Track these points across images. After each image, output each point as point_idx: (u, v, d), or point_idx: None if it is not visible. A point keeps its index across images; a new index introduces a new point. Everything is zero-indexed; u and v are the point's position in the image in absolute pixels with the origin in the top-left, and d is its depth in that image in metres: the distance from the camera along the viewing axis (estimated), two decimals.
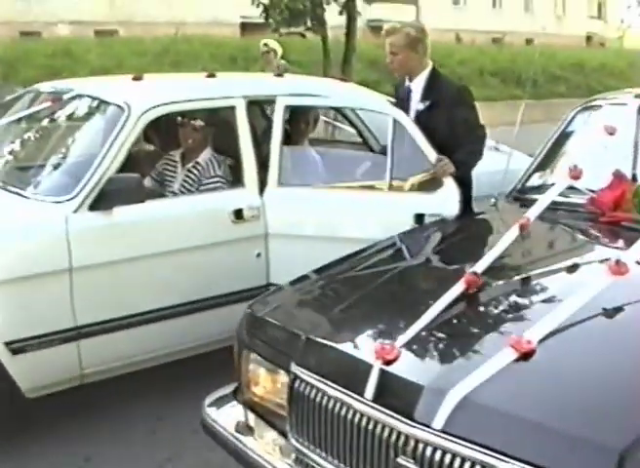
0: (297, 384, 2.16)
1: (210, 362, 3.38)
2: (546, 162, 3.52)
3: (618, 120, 3.08)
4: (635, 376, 1.84)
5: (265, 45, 8.12)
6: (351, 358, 2.09)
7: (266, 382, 2.37)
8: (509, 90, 18.99)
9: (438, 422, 1.79)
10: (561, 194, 2.88)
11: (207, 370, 3.22)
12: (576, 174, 2.83)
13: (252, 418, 2.43)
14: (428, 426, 1.80)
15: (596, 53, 27.49)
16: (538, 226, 2.67)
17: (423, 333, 2.05)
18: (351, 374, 2.04)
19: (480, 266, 2.32)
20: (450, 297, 2.18)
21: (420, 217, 3.65)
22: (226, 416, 2.47)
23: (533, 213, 2.65)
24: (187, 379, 3.44)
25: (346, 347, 2.15)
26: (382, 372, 1.94)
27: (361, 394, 1.95)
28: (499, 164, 3.61)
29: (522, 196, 3.35)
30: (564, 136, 3.54)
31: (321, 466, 2.09)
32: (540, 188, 3.27)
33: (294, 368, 2.18)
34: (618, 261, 2.18)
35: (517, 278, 2.43)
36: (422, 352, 2.04)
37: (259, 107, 4.52)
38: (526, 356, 1.88)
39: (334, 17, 14.49)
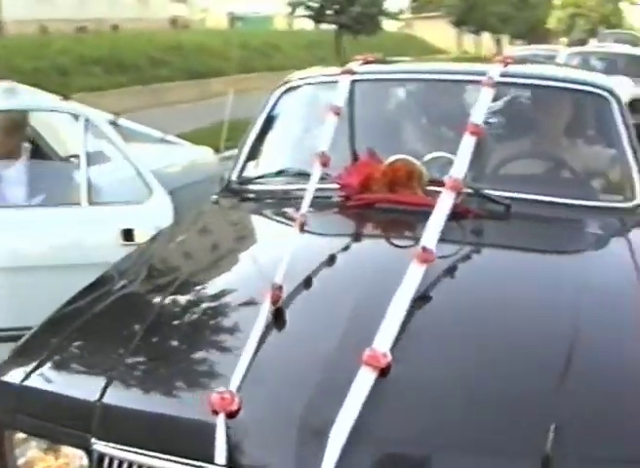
0: (105, 464, 1.69)
1: None
2: (257, 150, 3.31)
3: (333, 98, 2.98)
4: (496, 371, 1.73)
5: None
6: (183, 418, 1.67)
7: None
8: (115, 78, 18.58)
9: None
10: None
11: None
12: (325, 160, 2.66)
13: None
14: None
15: (194, 34, 28.15)
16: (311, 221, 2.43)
17: (255, 368, 1.72)
18: (187, 439, 1.63)
19: (279, 277, 2.02)
20: (263, 320, 1.87)
21: (128, 233, 3.28)
22: None
23: (304, 208, 2.42)
24: None
25: (170, 405, 1.71)
26: (229, 428, 1.58)
27: (209, 461, 1.57)
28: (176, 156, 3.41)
29: (242, 188, 3.12)
30: (270, 121, 3.35)
31: None
32: (264, 177, 3.09)
33: (96, 444, 1.71)
34: (424, 248, 2.04)
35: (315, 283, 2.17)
36: (264, 391, 1.69)
37: None
38: (383, 371, 1.66)
39: None
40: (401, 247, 2.44)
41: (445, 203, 2.31)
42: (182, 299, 2.16)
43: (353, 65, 3.20)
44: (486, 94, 2.84)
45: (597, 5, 54.13)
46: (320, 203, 2.62)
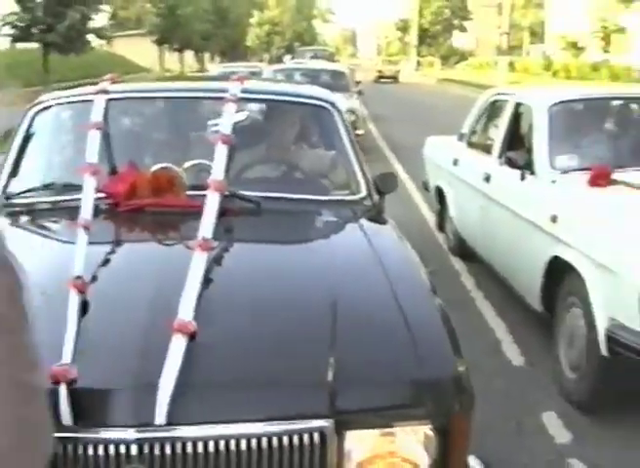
0: None
1: None
2: (19, 166, 3.45)
3: (92, 116, 3.25)
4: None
5: None
6: None
7: None
8: None
9: (160, 418, 1.83)
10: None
11: None
12: (95, 170, 2.93)
13: None
14: (150, 425, 1.83)
15: None
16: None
17: (83, 341, 2.00)
18: None
19: (77, 270, 2.30)
20: (75, 304, 2.15)
21: None
22: None
23: (86, 213, 2.70)
24: None
25: None
26: (72, 393, 1.86)
27: (57, 423, 1.84)
28: None
29: (8, 202, 3.25)
30: (28, 139, 3.53)
31: None
32: (31, 191, 3.27)
33: None
34: (204, 238, 2.44)
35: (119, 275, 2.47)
36: (95, 361, 1.98)
37: None
38: (192, 336, 2.03)
39: None
40: (182, 240, 2.79)
41: (212, 202, 2.72)
42: None
43: (105, 85, 3.49)
44: (230, 108, 3.29)
45: (291, 22, 57.66)
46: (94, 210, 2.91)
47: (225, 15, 47.20)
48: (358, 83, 16.48)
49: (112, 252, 2.58)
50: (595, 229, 3.65)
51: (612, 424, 3.55)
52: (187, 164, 3.09)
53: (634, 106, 5.00)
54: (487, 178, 5.12)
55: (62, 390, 1.84)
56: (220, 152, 3.01)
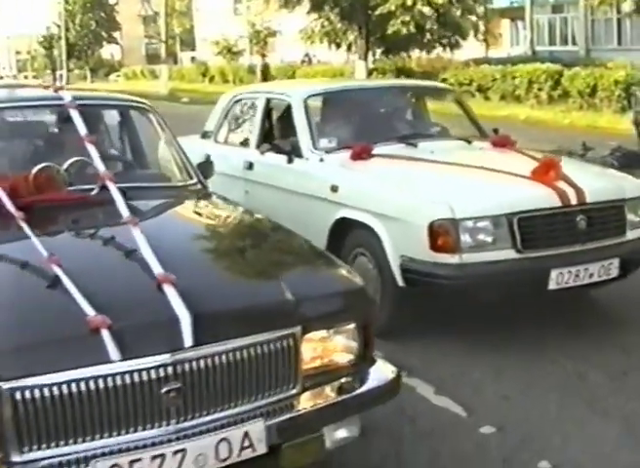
0: (19, 396, 2.21)
1: None
2: None
3: None
4: None
5: None
6: (73, 339, 2.32)
7: None
8: None
9: (188, 341, 2.38)
10: None
11: None
12: None
13: None
14: (181, 348, 2.37)
15: None
16: None
17: (92, 298, 2.43)
18: (80, 354, 2.30)
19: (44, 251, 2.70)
20: (62, 272, 2.56)
21: None
22: None
23: None
24: None
25: (60, 333, 2.34)
26: (113, 333, 2.32)
27: (105, 361, 2.29)
28: None
29: None
30: None
31: (73, 456, 2.28)
32: None
33: (4, 384, 2.21)
34: (130, 217, 2.97)
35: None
36: (117, 307, 2.42)
37: None
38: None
39: None
40: (113, 220, 3.19)
41: (115, 190, 3.22)
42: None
43: None
44: (75, 113, 3.72)
45: None
46: None
47: None
48: None
49: (55, 238, 2.99)
50: (376, 191, 4.62)
51: (411, 342, 4.50)
52: (69, 161, 3.47)
53: (374, 94, 6.12)
54: (249, 167, 5.89)
55: (106, 334, 2.32)
56: (92, 150, 3.48)
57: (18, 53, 77.24)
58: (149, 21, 62.44)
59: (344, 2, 21.39)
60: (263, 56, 33.85)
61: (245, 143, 6.16)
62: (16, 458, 2.25)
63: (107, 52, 59.86)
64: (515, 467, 3.28)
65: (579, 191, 4.50)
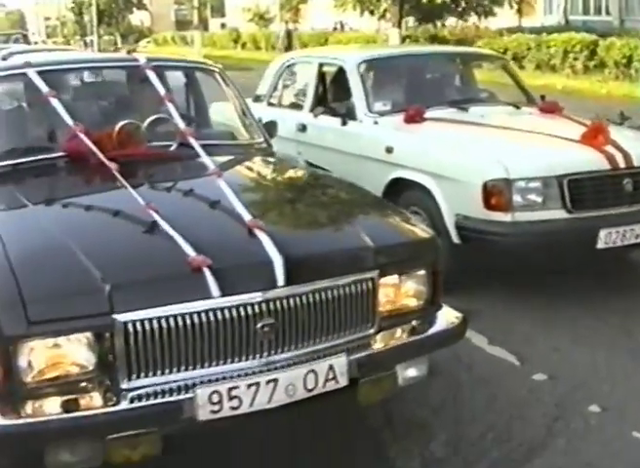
0: (131, 328, 2.43)
1: None
2: None
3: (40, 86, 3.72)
4: None
5: None
6: (177, 276, 2.55)
7: (63, 356, 2.46)
8: None
9: (281, 280, 2.60)
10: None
11: None
12: (81, 130, 3.47)
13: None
14: (275, 287, 2.59)
15: None
16: None
17: (190, 239, 2.65)
18: (184, 290, 2.52)
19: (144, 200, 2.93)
20: (160, 218, 2.79)
21: None
22: None
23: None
24: None
25: (166, 271, 2.57)
26: (213, 272, 2.54)
27: (207, 296, 2.52)
28: None
29: None
30: None
31: (176, 383, 2.50)
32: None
33: (119, 316, 2.42)
34: (215, 169, 3.20)
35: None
36: (215, 247, 2.64)
37: None
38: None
39: None
40: (197, 173, 3.43)
41: (196, 144, 3.44)
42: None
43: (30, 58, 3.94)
44: (152, 73, 3.93)
45: None
46: (70, 168, 3.52)
47: None
48: None
49: (146, 188, 3.22)
50: (431, 152, 4.81)
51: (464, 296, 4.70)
52: (150, 119, 3.69)
53: (425, 60, 6.29)
54: (302, 129, 6.08)
55: (207, 273, 2.54)
56: (171, 107, 3.69)
57: (47, 19, 77.45)
58: None
59: None
60: (287, 23, 33.98)
61: (298, 106, 6.35)
62: (124, 385, 2.48)
63: (137, 18, 59.87)
64: (567, 410, 3.49)
65: (626, 155, 4.65)
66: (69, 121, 3.54)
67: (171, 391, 2.51)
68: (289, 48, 30.38)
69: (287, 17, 35.20)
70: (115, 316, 2.43)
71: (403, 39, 23.56)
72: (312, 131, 5.99)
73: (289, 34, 31.73)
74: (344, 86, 5.72)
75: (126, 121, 3.62)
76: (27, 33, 40.33)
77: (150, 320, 2.46)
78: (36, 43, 45.07)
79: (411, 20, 24.16)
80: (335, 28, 34.21)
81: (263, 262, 2.62)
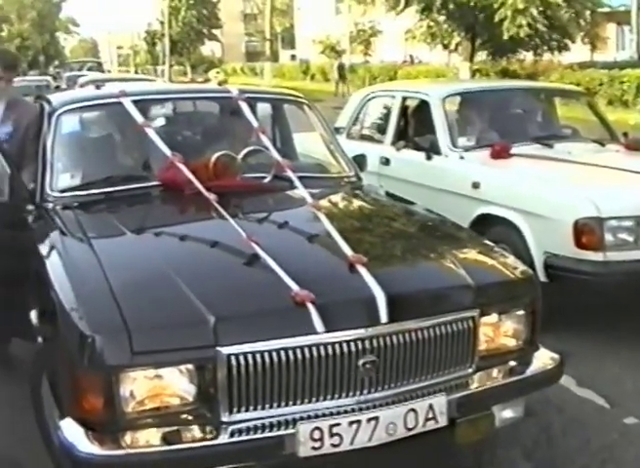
0: (234, 361, 2.43)
1: None
2: (59, 164, 3.77)
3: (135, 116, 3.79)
4: None
5: None
6: (281, 311, 2.56)
7: (164, 387, 2.48)
8: None
9: (384, 317, 2.58)
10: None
11: None
12: (180, 160, 3.53)
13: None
14: (377, 324, 2.57)
15: None
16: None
17: (294, 277, 2.64)
18: (288, 325, 2.53)
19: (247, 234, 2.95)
20: (264, 252, 2.80)
21: None
22: None
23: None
24: None
25: (270, 307, 2.58)
26: (317, 307, 2.54)
27: (311, 332, 2.51)
28: None
29: (66, 196, 3.56)
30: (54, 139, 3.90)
31: (277, 418, 2.50)
32: (95, 184, 3.64)
33: (223, 349, 2.43)
34: (312, 201, 3.23)
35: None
36: (325, 283, 2.68)
37: None
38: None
39: None
40: (295, 205, 3.47)
41: (295, 178, 3.47)
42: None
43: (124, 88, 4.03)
44: (244, 105, 3.98)
45: (36, 35, 55.69)
46: (166, 197, 3.56)
47: None
48: None
49: (245, 219, 3.25)
50: (519, 188, 4.76)
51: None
52: (245, 151, 3.72)
53: (509, 95, 6.26)
54: (385, 162, 6.07)
55: (311, 307, 2.54)
56: (265, 139, 3.73)
57: (119, 47, 79.66)
58: (250, 19, 63.58)
59: (452, 4, 21.29)
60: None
61: (378, 140, 6.36)
62: (225, 418, 2.48)
63: (208, 49, 61.12)
64: None
65: None
66: (167, 151, 3.59)
67: (271, 426, 2.50)
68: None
69: (359, 49, 35.67)
70: (219, 348, 2.44)
71: (473, 73, 23.49)
72: (395, 164, 5.99)
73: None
74: (427, 120, 5.72)
75: (222, 152, 3.66)
76: (101, 61, 41.62)
77: (254, 353, 2.46)
78: (109, 71, 46.48)
79: (483, 54, 24.04)
80: (404, 61, 34.35)
81: (366, 299, 2.61)
